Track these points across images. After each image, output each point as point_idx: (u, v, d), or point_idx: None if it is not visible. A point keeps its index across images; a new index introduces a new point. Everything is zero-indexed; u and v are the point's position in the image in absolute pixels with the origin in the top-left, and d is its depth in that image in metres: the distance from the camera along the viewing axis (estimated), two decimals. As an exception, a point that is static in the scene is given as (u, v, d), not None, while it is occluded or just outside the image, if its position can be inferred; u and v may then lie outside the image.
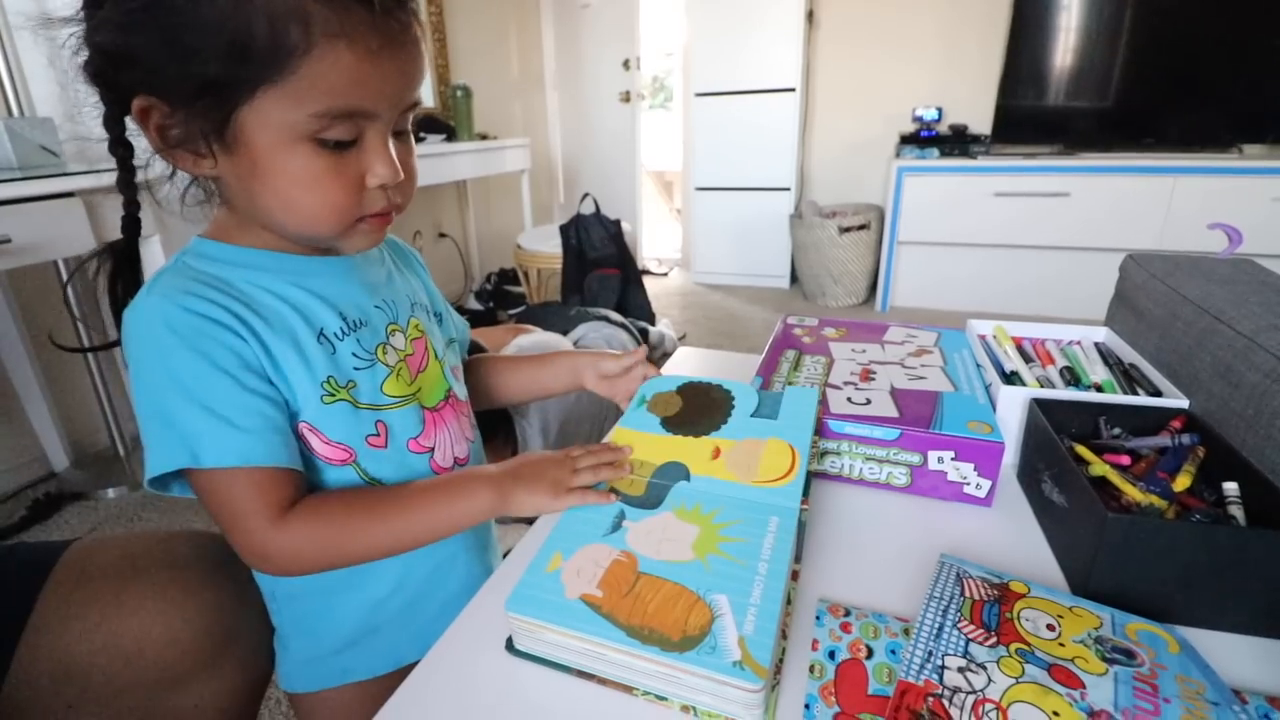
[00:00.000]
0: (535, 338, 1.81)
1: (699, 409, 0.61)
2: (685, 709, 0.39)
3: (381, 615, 0.58)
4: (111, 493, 1.73)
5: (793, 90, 3.11)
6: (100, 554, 0.56)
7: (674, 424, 0.60)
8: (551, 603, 0.42)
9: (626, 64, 3.76)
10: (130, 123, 0.46)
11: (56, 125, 1.47)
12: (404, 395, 0.55)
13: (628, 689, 0.41)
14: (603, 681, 0.41)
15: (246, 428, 0.45)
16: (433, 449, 0.57)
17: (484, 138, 2.96)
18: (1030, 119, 2.81)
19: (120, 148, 0.48)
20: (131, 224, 0.52)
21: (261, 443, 0.45)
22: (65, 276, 1.67)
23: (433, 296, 0.67)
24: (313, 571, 0.50)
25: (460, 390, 0.64)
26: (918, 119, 3.04)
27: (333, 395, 0.50)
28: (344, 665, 0.59)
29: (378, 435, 0.53)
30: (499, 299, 3.13)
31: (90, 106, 0.46)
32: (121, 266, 0.54)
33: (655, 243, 4.42)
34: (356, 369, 0.52)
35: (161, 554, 0.57)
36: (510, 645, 0.44)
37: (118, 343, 0.49)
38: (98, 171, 1.35)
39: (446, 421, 0.60)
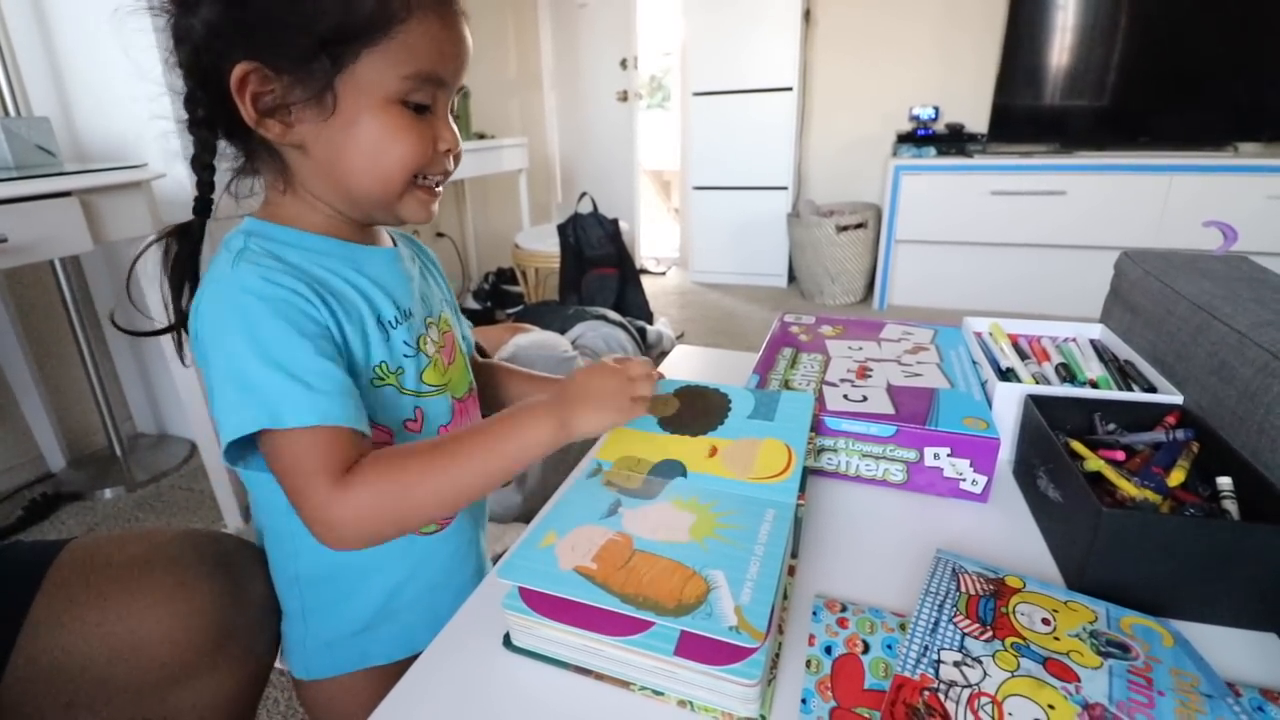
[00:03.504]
0: (534, 337, 1.81)
1: (696, 411, 0.62)
2: (682, 704, 0.39)
3: (400, 600, 0.59)
4: (109, 493, 1.73)
5: (790, 89, 3.12)
6: (97, 553, 0.56)
7: (671, 424, 0.60)
8: (545, 572, 0.42)
9: (624, 63, 3.75)
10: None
11: (53, 125, 1.46)
12: (439, 385, 0.58)
13: (624, 684, 0.41)
14: (599, 677, 0.41)
15: (323, 390, 0.45)
16: None
17: (481, 137, 2.96)
18: (1026, 118, 2.82)
19: (203, 128, 0.49)
20: (204, 205, 0.53)
21: (336, 404, 0.45)
22: (63, 274, 1.67)
23: (449, 295, 0.69)
24: (380, 532, 0.47)
25: (475, 385, 0.67)
26: (914, 118, 3.05)
27: (382, 380, 0.53)
28: (362, 649, 0.60)
29: (415, 420, 0.55)
30: (497, 298, 3.12)
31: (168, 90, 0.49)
32: (186, 247, 0.55)
33: (653, 242, 4.42)
34: (405, 356, 0.54)
35: (158, 553, 0.57)
36: (507, 641, 0.44)
37: (181, 325, 0.52)
38: (94, 170, 1.34)
39: (470, 413, 0.62)
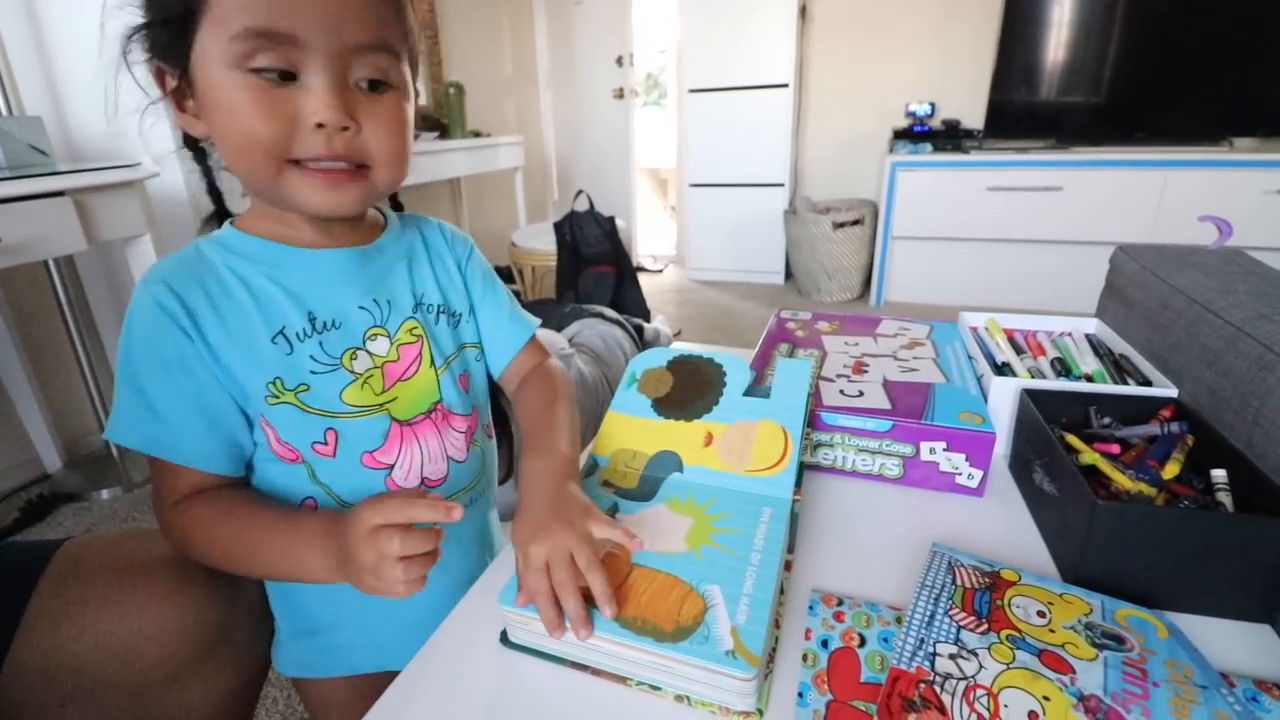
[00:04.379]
0: (530, 335, 1.81)
1: (690, 387, 0.61)
2: (679, 698, 0.39)
3: (376, 609, 0.58)
4: (105, 494, 1.73)
5: (786, 86, 3.11)
6: (92, 553, 0.56)
7: (665, 406, 0.60)
8: None
9: (620, 60, 3.75)
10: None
11: (45, 124, 1.45)
12: (367, 405, 0.53)
13: (621, 679, 0.41)
14: (596, 672, 0.41)
15: (165, 419, 0.47)
16: (392, 465, 0.54)
17: (477, 135, 2.95)
18: (1023, 113, 2.82)
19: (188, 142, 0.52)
20: (214, 191, 0.55)
21: (170, 436, 0.48)
22: (57, 275, 1.66)
23: (474, 298, 0.63)
24: (198, 560, 0.52)
25: (459, 403, 0.59)
26: (911, 114, 3.05)
27: (276, 397, 0.50)
28: (346, 660, 0.60)
29: (325, 443, 0.52)
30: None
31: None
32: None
33: (650, 240, 4.41)
34: (313, 372, 0.51)
35: (154, 553, 0.57)
36: (504, 638, 0.44)
37: None
38: (87, 170, 1.34)
39: (421, 437, 0.56)
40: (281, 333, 0.50)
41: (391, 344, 0.55)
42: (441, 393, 0.58)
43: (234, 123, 0.44)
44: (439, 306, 0.60)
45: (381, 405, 0.53)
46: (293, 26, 0.42)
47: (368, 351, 0.53)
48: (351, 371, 0.52)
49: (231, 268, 0.50)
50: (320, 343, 0.51)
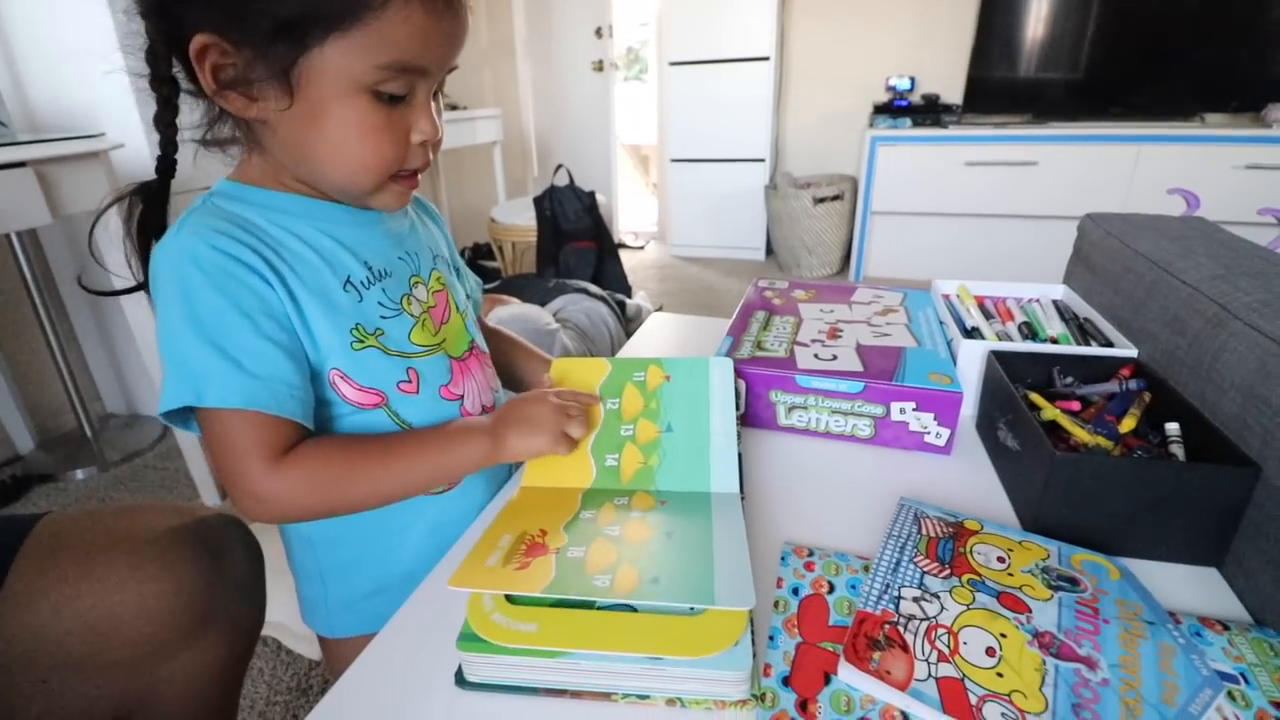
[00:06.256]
0: (514, 309, 1.81)
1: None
2: (670, 702, 0.38)
3: (418, 559, 0.59)
4: (80, 474, 1.70)
5: (767, 59, 3.09)
6: (72, 527, 0.55)
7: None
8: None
9: (599, 32, 3.68)
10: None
11: (2, 95, 1.40)
12: (430, 345, 0.56)
13: (605, 696, 0.38)
14: (577, 694, 0.38)
15: (255, 372, 0.45)
16: (463, 396, 0.59)
17: (454, 108, 2.90)
18: (1001, 89, 2.83)
19: (165, 85, 0.47)
20: (167, 164, 0.52)
21: (267, 390, 0.45)
22: (20, 250, 1.62)
23: (451, 251, 0.68)
24: (306, 515, 0.51)
25: (482, 342, 0.65)
26: (891, 88, 3.05)
27: (362, 342, 0.51)
28: (380, 611, 0.59)
29: (409, 382, 0.54)
30: (474, 273, 3.09)
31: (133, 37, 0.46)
32: (150, 207, 0.53)
33: (632, 216, 4.39)
34: (383, 317, 0.53)
35: (136, 527, 0.56)
36: (460, 678, 0.39)
37: (146, 284, 0.50)
38: (48, 140, 1.30)
39: (472, 371, 0.61)
40: (349, 281, 0.52)
41: (428, 290, 0.58)
42: (470, 333, 0.63)
43: (354, 145, 0.46)
44: (446, 259, 0.65)
45: (438, 344, 0.57)
46: (427, 61, 0.46)
47: (415, 297, 0.57)
48: (411, 315, 0.55)
49: (276, 223, 0.49)
50: (383, 289, 0.54)
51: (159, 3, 0.44)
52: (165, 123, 0.49)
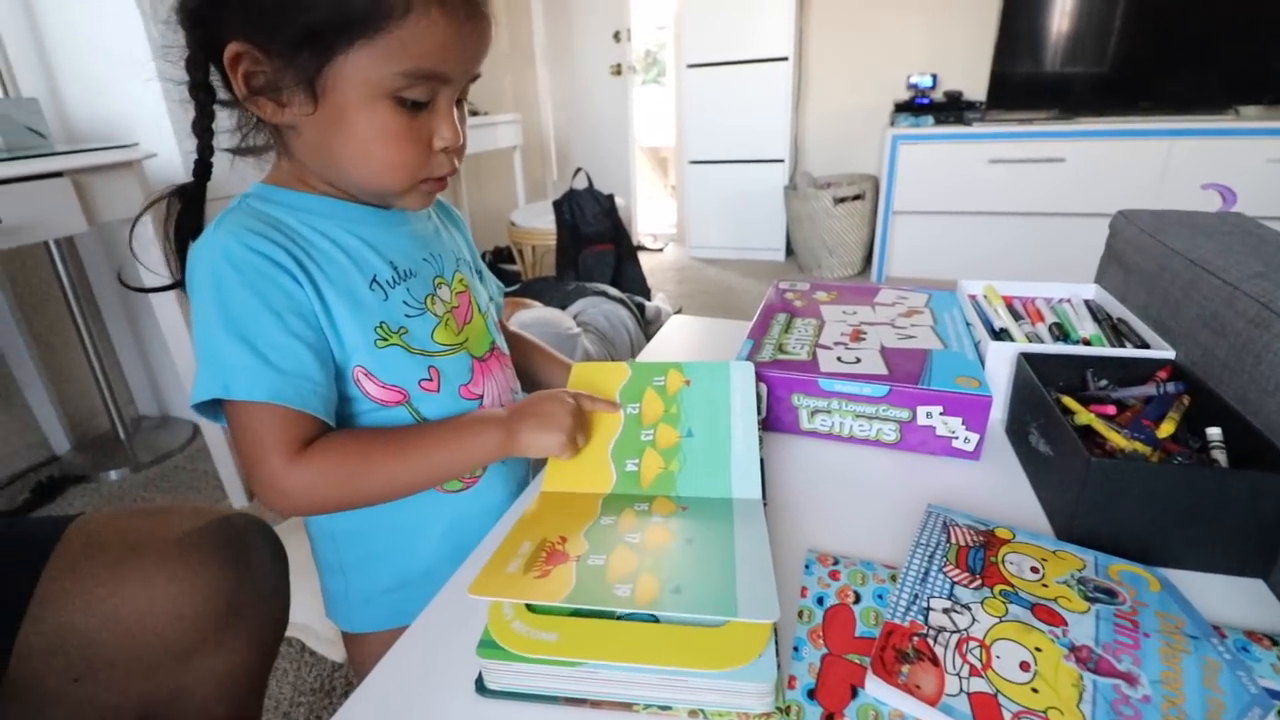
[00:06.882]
0: (536, 313, 1.81)
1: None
2: (693, 714, 0.37)
3: (437, 556, 0.60)
4: (114, 474, 1.75)
5: (785, 59, 3.07)
6: (103, 529, 0.56)
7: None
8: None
9: (617, 35, 3.69)
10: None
11: (42, 106, 1.45)
12: (453, 344, 0.57)
13: (626, 706, 0.38)
14: (596, 705, 0.38)
15: (281, 368, 0.47)
16: (482, 396, 0.59)
17: (475, 113, 2.92)
18: (1025, 84, 2.77)
19: (202, 91, 0.49)
20: (203, 168, 0.54)
21: (291, 385, 0.47)
22: (58, 257, 1.67)
23: (473, 254, 0.69)
24: (325, 508, 0.52)
25: (503, 344, 0.66)
26: (912, 86, 3.01)
27: (385, 340, 0.53)
28: (400, 607, 0.60)
29: (430, 380, 0.55)
30: (495, 277, 3.11)
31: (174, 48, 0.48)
32: (187, 208, 0.55)
33: (651, 219, 4.38)
34: (408, 316, 0.54)
35: (165, 529, 0.57)
36: (480, 685, 0.39)
37: (182, 282, 0.52)
38: (85, 150, 1.33)
39: (493, 371, 0.62)
40: (375, 280, 0.53)
41: (451, 291, 0.60)
42: (492, 334, 0.64)
43: (384, 146, 0.48)
44: (469, 263, 0.66)
45: (461, 344, 0.58)
46: (449, 68, 0.47)
47: (439, 298, 0.58)
48: (434, 314, 0.56)
49: (306, 223, 0.51)
50: (408, 288, 0.55)
51: (197, 14, 0.46)
52: (202, 128, 0.51)
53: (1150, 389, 0.56)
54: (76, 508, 1.63)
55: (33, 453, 1.81)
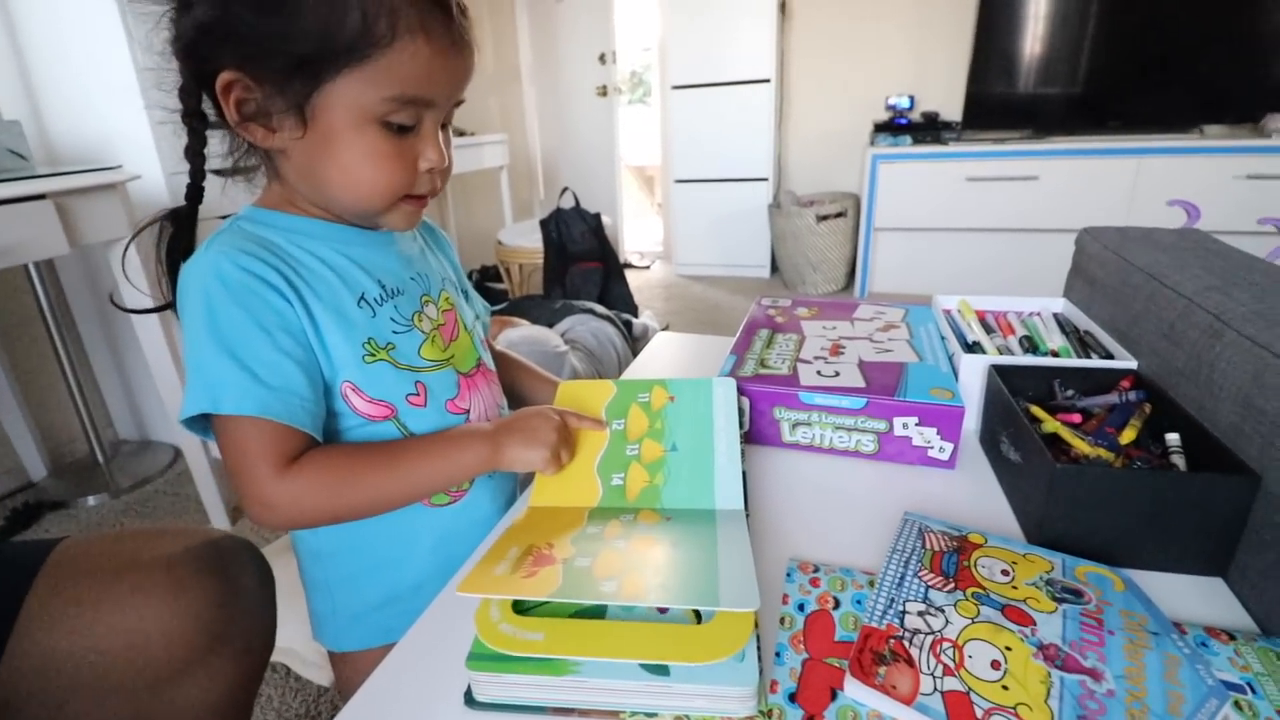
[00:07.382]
0: (524, 331, 1.82)
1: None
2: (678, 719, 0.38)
3: (425, 571, 0.60)
4: (92, 500, 1.72)
5: (768, 81, 3.14)
6: (88, 552, 0.56)
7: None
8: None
9: (603, 58, 3.76)
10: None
11: (24, 128, 1.45)
12: (439, 360, 0.58)
13: (613, 715, 0.38)
14: (584, 714, 0.39)
15: (270, 383, 0.47)
16: (468, 411, 0.60)
17: (461, 134, 2.95)
18: (1000, 105, 2.86)
19: (195, 119, 0.51)
20: (195, 192, 0.55)
21: (280, 400, 0.48)
22: (38, 279, 1.65)
23: (459, 275, 0.71)
24: (313, 521, 0.53)
25: (489, 361, 0.67)
26: (891, 107, 3.08)
27: (373, 355, 0.54)
28: (385, 624, 0.61)
29: (417, 395, 0.56)
30: (482, 297, 3.12)
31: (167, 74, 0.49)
32: (179, 231, 0.56)
33: (637, 237, 4.43)
34: (395, 332, 0.55)
35: (152, 551, 0.57)
36: (469, 698, 0.40)
37: (173, 304, 0.53)
38: (68, 173, 1.33)
39: (479, 387, 0.63)
40: (363, 298, 0.54)
41: (438, 309, 0.61)
42: (478, 351, 0.65)
43: (364, 171, 0.49)
44: (454, 282, 0.67)
45: (447, 360, 0.59)
46: (434, 93, 0.49)
47: (425, 315, 0.59)
48: (421, 331, 0.58)
49: (296, 243, 0.52)
50: (395, 306, 0.56)
51: (191, 44, 0.47)
52: (195, 153, 0.52)
53: (1114, 398, 0.59)
54: (53, 535, 1.59)
55: (8, 479, 1.77)
